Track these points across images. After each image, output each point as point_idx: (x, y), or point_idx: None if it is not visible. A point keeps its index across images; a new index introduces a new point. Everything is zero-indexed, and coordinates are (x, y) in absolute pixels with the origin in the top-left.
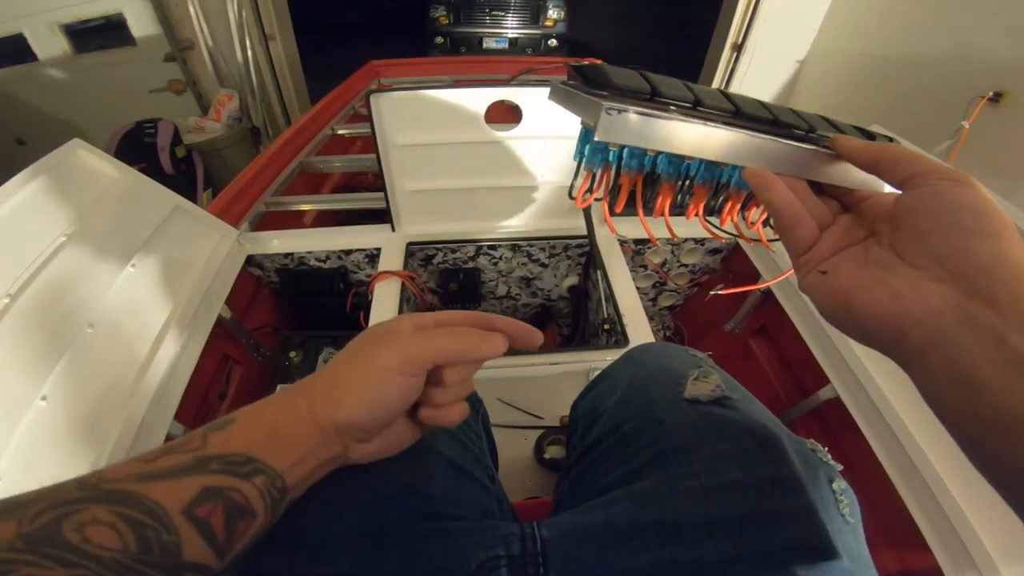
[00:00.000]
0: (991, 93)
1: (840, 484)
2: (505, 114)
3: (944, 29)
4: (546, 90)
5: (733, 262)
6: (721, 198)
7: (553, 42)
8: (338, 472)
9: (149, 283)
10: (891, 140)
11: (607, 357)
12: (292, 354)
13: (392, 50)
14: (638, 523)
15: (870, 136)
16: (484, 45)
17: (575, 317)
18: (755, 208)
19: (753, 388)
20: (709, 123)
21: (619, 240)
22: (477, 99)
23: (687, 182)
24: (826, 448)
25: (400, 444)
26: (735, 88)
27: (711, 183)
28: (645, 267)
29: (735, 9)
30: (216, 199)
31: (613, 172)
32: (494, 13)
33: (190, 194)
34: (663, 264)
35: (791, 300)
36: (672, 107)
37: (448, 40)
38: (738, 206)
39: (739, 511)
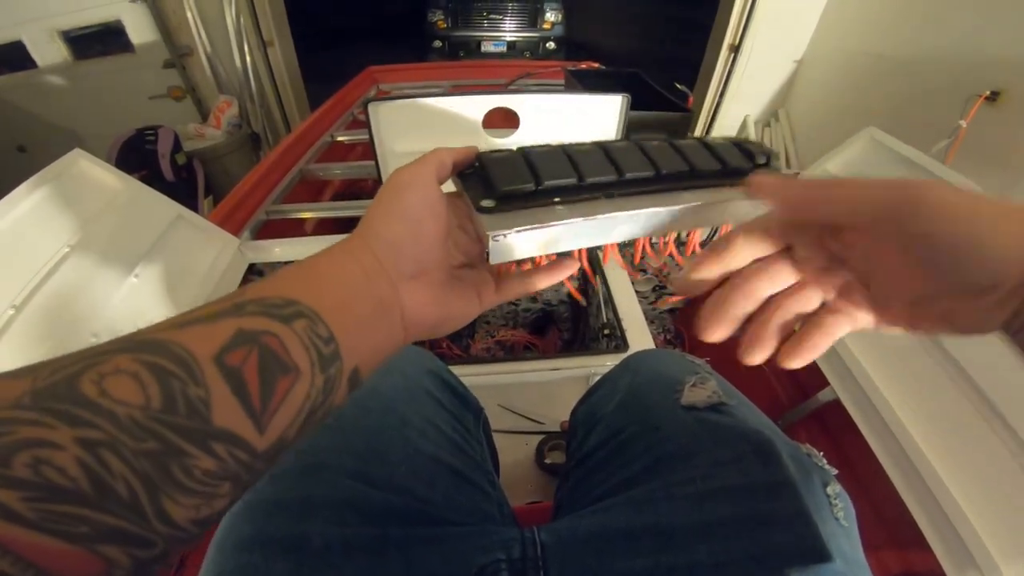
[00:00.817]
0: (988, 92)
1: (835, 488)
2: (504, 119)
3: (940, 28)
4: (545, 95)
5: None
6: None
7: (551, 45)
8: (341, 477)
9: (152, 293)
10: (768, 162)
11: (607, 362)
12: None
13: (390, 54)
14: (635, 529)
15: (749, 155)
16: (482, 48)
17: (575, 322)
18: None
19: (753, 390)
20: (595, 207)
21: (618, 245)
22: (475, 106)
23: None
24: (822, 452)
25: (462, 310)
26: (732, 89)
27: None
28: (645, 271)
29: (731, 10)
30: (217, 208)
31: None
32: (492, 16)
33: (191, 201)
34: (662, 268)
35: None
36: (556, 201)
37: (446, 44)
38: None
39: (734, 516)
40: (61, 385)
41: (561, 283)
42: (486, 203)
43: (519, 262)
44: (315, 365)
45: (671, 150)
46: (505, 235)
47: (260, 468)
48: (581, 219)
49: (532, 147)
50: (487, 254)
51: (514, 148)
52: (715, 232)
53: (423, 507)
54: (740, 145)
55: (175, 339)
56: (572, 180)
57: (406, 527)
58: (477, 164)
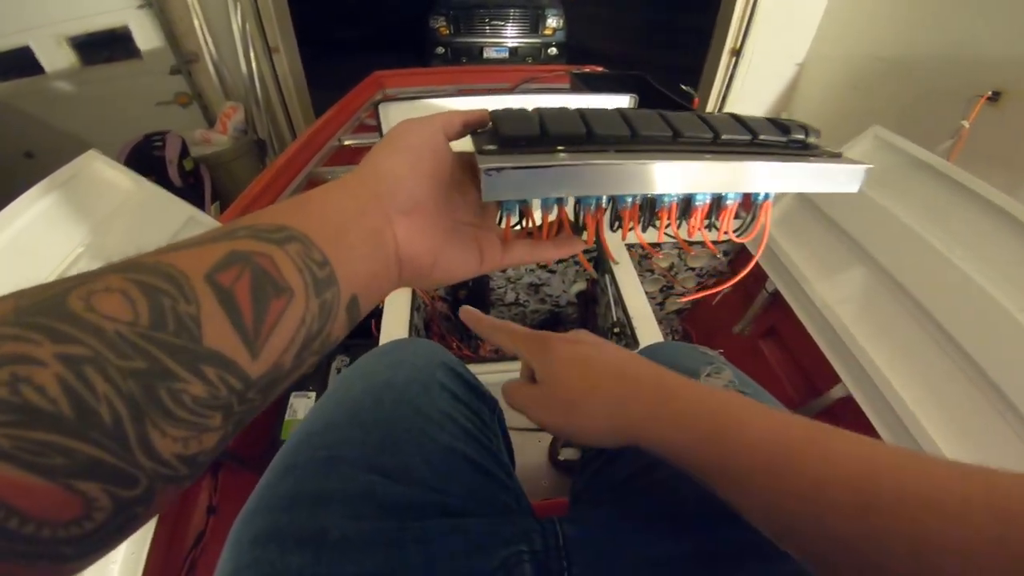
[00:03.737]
0: (990, 92)
1: None
2: None
3: (941, 29)
4: (553, 96)
5: (740, 264)
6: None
7: (553, 50)
8: (358, 470)
9: None
10: (807, 133)
11: None
12: None
13: (393, 61)
14: (658, 513)
15: (784, 129)
16: (484, 55)
17: (584, 322)
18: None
19: (764, 387)
20: (602, 157)
21: (626, 245)
22: (484, 107)
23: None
24: None
25: (459, 261)
26: (735, 93)
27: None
28: (652, 271)
29: (732, 14)
30: (228, 210)
31: (535, 212)
32: (494, 23)
33: (198, 207)
34: (670, 268)
35: (799, 301)
36: (560, 149)
37: (449, 50)
38: (674, 217)
39: None
40: (47, 302)
41: (568, 284)
42: (488, 147)
43: (529, 231)
44: (309, 287)
45: (696, 119)
46: (499, 169)
47: (253, 399)
48: (580, 163)
49: (549, 108)
50: (480, 192)
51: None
52: (750, 222)
53: (442, 499)
54: (776, 121)
55: (166, 260)
56: (580, 131)
57: (425, 519)
58: (490, 124)
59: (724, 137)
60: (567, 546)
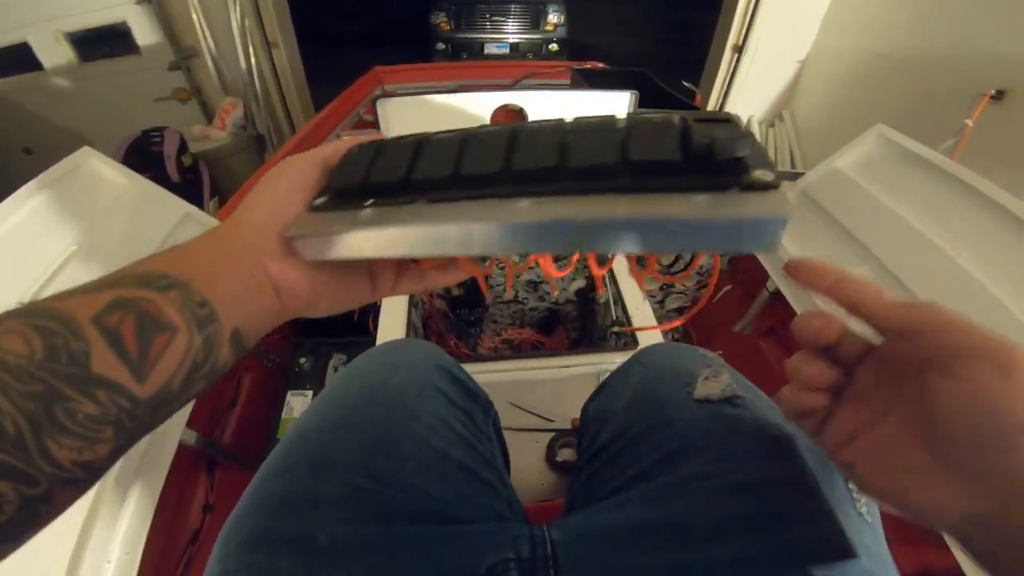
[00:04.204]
0: (993, 91)
1: None
2: (511, 116)
3: (944, 27)
4: (553, 92)
5: (741, 262)
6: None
7: (554, 46)
8: (350, 474)
9: None
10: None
11: (616, 359)
12: (302, 360)
13: (394, 57)
14: (649, 524)
15: (723, 120)
16: (485, 50)
17: (582, 320)
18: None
19: (764, 389)
20: (423, 215)
21: None
22: (483, 103)
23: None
24: None
25: (347, 292)
26: (736, 91)
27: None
28: None
29: (735, 10)
30: (225, 207)
31: None
32: (495, 18)
33: (197, 203)
34: (670, 266)
35: (800, 300)
36: (412, 200)
37: (449, 46)
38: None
39: (752, 511)
40: None
41: (567, 282)
42: (318, 200)
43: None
44: (192, 324)
45: (598, 136)
46: (302, 237)
47: (144, 416)
48: (383, 226)
49: (436, 135)
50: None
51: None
52: (689, 262)
53: (433, 505)
54: (687, 129)
55: (59, 306)
56: (444, 173)
57: (415, 525)
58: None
59: (575, 164)
60: (555, 554)
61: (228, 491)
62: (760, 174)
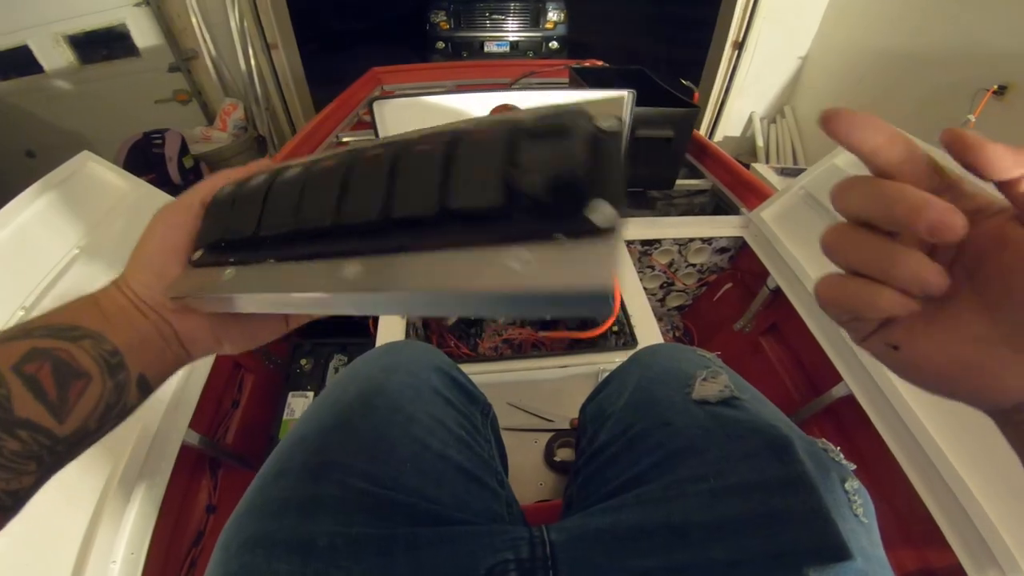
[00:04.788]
0: (995, 86)
1: (853, 484)
2: None
3: (946, 22)
4: (549, 92)
5: (741, 260)
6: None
7: (554, 44)
8: (348, 477)
9: None
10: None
11: (616, 359)
12: (303, 361)
13: (394, 56)
14: (647, 526)
15: (558, 131)
16: (485, 49)
17: (583, 320)
18: None
19: (764, 387)
20: (275, 284)
21: (626, 241)
22: (480, 104)
23: None
24: (839, 447)
25: (255, 331)
26: (737, 87)
27: None
28: (653, 267)
29: (735, 7)
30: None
31: None
32: (494, 17)
33: None
34: (670, 264)
35: (801, 298)
36: (260, 254)
37: (449, 45)
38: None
39: (749, 513)
40: None
41: None
42: (195, 255)
43: None
44: (104, 371)
45: (430, 165)
46: (183, 297)
47: (63, 451)
48: (251, 293)
49: (287, 169)
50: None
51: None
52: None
53: (431, 507)
54: (515, 153)
55: None
56: (287, 226)
57: (414, 527)
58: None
59: (396, 215)
60: (554, 555)
61: (231, 491)
62: (596, 212)
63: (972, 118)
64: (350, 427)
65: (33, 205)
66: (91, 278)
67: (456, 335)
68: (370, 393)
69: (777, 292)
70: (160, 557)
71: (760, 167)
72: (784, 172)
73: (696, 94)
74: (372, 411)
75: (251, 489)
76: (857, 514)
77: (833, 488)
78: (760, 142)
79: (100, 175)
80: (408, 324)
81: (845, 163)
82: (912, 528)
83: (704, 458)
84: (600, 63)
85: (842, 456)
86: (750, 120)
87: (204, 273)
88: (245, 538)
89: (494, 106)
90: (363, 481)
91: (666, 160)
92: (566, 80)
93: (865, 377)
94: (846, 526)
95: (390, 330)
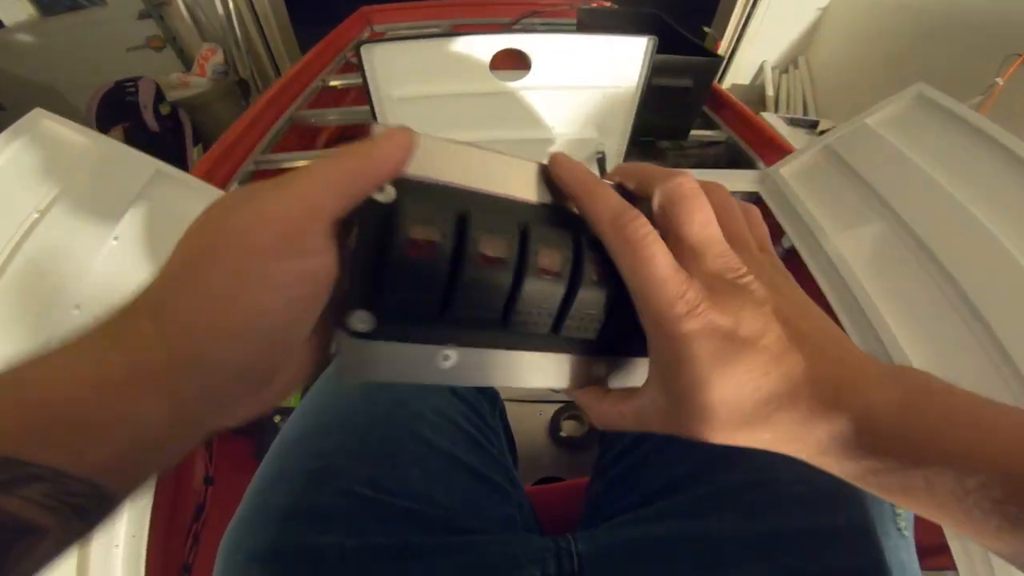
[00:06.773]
0: None
1: None
2: (512, 61)
3: None
4: (561, 36)
5: None
6: None
7: None
8: (353, 484)
9: (135, 255)
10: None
11: None
12: None
13: None
14: (680, 540)
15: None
16: None
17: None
18: None
19: None
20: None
21: None
22: (480, 47)
23: None
24: None
25: (297, 378)
26: (749, 36)
27: None
28: None
29: None
30: (201, 160)
31: None
32: None
33: (180, 151)
34: None
35: (817, 260)
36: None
37: None
38: None
39: (790, 529)
40: None
41: None
42: (359, 323)
43: None
44: (64, 518)
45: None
46: (359, 375)
47: None
48: (479, 372)
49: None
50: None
51: (473, 145)
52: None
53: (442, 514)
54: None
55: None
56: (495, 315)
57: (426, 536)
58: (391, 204)
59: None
60: (583, 569)
61: (228, 460)
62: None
63: (1000, 81)
64: (351, 426)
65: None
66: (56, 244)
67: None
68: (371, 388)
69: (791, 252)
70: (162, 535)
71: (769, 116)
72: (793, 122)
73: (718, 42)
74: (373, 407)
75: (252, 492)
76: (900, 527)
77: (881, 502)
78: (770, 91)
79: (56, 132)
80: None
81: (876, 122)
82: (914, 528)
83: (743, 467)
84: (608, 3)
85: None
86: (760, 69)
87: (397, 350)
88: (251, 549)
89: (496, 50)
90: (368, 488)
91: (682, 110)
92: (572, 21)
93: (881, 352)
94: (889, 543)
95: None
